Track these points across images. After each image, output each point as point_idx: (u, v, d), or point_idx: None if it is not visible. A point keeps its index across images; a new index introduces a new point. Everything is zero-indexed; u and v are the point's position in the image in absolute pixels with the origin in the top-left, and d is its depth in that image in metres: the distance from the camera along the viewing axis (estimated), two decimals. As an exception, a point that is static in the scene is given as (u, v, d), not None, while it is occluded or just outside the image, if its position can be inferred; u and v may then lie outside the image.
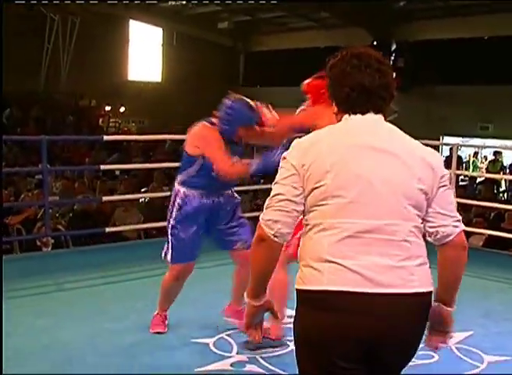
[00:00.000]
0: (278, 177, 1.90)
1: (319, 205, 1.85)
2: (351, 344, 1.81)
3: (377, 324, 1.80)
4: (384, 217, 1.82)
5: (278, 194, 1.88)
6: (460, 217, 1.96)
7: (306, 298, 1.86)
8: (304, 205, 1.88)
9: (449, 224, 1.92)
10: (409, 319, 1.84)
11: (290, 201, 1.86)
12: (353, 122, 1.92)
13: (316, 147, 1.87)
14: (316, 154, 1.85)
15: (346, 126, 1.92)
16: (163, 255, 3.82)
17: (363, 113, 1.92)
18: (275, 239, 1.87)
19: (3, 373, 2.78)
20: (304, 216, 1.91)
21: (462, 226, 1.95)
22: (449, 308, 1.97)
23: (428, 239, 1.93)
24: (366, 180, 1.83)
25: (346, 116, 1.93)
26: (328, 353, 1.82)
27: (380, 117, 1.94)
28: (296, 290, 1.90)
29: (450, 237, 1.91)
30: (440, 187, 1.90)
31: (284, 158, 1.92)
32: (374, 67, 1.91)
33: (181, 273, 3.79)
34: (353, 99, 1.91)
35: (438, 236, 1.91)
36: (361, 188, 1.82)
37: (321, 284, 1.82)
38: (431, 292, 1.89)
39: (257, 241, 1.92)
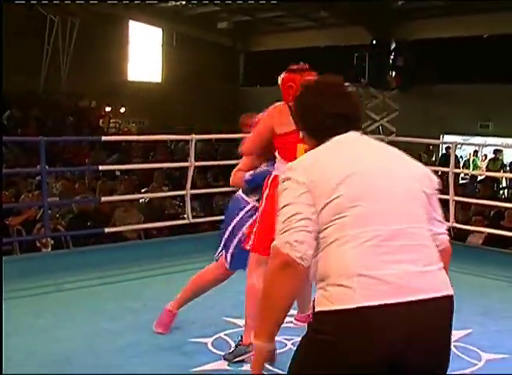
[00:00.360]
0: (288, 198, 1.80)
1: (336, 219, 1.77)
2: (385, 361, 1.72)
3: (415, 332, 1.73)
4: (403, 222, 1.80)
5: (296, 214, 1.77)
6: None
7: (337, 320, 1.72)
8: (315, 221, 1.78)
9: (445, 232, 1.96)
10: (443, 323, 1.81)
11: (310, 220, 1.76)
12: (339, 139, 1.92)
13: (318, 164, 1.84)
14: (321, 169, 1.82)
15: (334, 143, 1.91)
16: (224, 258, 3.71)
17: (344, 133, 1.94)
18: (303, 263, 1.74)
19: (3, 373, 2.79)
20: (315, 231, 1.79)
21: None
22: None
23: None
24: (379, 186, 1.82)
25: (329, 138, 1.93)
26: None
27: (360, 133, 1.97)
28: (321, 312, 1.75)
29: (444, 245, 1.95)
30: (435, 195, 1.93)
31: (288, 178, 1.83)
32: (341, 93, 1.98)
33: (226, 278, 3.79)
34: (328, 126, 1.93)
35: (436, 243, 1.91)
36: (376, 195, 1.80)
37: (354, 302, 1.70)
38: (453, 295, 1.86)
39: (280, 268, 1.74)
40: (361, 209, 1.77)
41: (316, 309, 1.78)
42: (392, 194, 1.82)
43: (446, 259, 1.94)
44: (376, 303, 1.70)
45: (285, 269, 1.74)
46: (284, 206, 1.80)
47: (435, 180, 1.95)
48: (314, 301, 1.81)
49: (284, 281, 1.74)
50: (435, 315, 1.78)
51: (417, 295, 1.74)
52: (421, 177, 1.91)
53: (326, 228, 1.78)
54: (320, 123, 1.95)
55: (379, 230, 1.76)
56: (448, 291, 1.82)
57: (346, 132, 1.93)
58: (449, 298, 1.82)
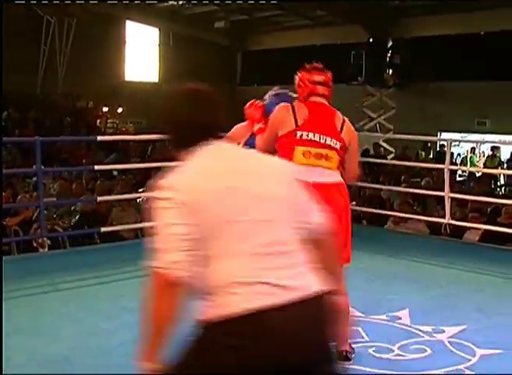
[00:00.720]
0: (166, 218, 1.81)
1: (214, 235, 1.81)
2: (273, 361, 1.76)
3: (299, 331, 1.78)
4: (277, 230, 1.87)
5: (175, 234, 1.78)
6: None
7: (227, 326, 1.75)
8: (196, 239, 1.81)
9: (319, 220, 2.02)
10: (322, 320, 1.87)
11: (190, 239, 1.79)
12: (208, 150, 1.93)
13: (192, 179, 1.86)
14: (195, 186, 1.83)
15: (205, 155, 1.92)
16: None
17: (207, 143, 1.95)
18: (185, 281, 1.78)
19: (3, 373, 2.81)
20: (197, 249, 1.81)
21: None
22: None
23: (307, 237, 1.97)
24: (250, 198, 1.86)
25: (192, 148, 1.94)
26: None
27: (222, 141, 1.99)
28: (209, 320, 1.78)
29: (320, 233, 2.01)
30: (300, 188, 2.01)
31: (164, 198, 1.83)
32: (205, 101, 2.00)
33: None
34: (193, 135, 1.94)
35: (316, 232, 1.99)
36: (249, 207, 1.85)
37: (242, 307, 1.75)
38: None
39: (163, 290, 1.77)
40: (238, 223, 1.82)
41: (202, 318, 1.80)
42: (264, 204, 1.87)
43: (327, 244, 2.03)
44: (263, 306, 1.75)
45: (169, 290, 1.77)
46: (162, 227, 1.81)
47: (295, 174, 2.02)
48: (196, 311, 1.83)
49: (169, 303, 1.78)
50: (315, 312, 1.83)
51: (297, 294, 1.80)
52: (286, 175, 1.98)
53: (208, 243, 1.81)
54: (184, 132, 1.96)
55: (257, 240, 1.82)
56: (322, 287, 1.88)
57: (208, 141, 1.95)
58: (324, 295, 1.88)
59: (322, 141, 3.34)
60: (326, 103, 3.47)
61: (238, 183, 1.87)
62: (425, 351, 3.66)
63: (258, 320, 1.74)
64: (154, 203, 1.84)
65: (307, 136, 3.32)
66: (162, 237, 1.80)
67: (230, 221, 1.82)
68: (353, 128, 3.51)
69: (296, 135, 3.33)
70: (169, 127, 2.01)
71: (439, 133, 16.37)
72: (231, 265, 1.80)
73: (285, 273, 1.82)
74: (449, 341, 3.83)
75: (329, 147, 3.35)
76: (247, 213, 1.84)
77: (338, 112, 3.49)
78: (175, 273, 1.76)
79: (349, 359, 3.44)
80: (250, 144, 3.75)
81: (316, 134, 3.33)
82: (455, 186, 8.78)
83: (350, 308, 3.67)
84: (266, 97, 3.91)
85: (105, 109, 18.81)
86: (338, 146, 3.38)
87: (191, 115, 1.96)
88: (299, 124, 3.33)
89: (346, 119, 3.49)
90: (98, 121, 18.39)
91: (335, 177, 3.37)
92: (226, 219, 1.82)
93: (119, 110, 19.22)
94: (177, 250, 1.78)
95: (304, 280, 1.84)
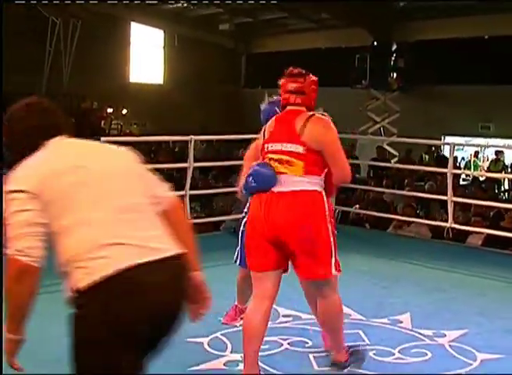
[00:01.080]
0: (16, 207, 1.95)
1: (67, 208, 1.95)
2: (152, 319, 1.93)
3: (170, 289, 1.96)
4: (128, 198, 2.04)
5: (24, 221, 1.93)
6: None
7: (103, 288, 1.88)
8: (48, 222, 1.95)
9: (166, 192, 2.21)
10: (185, 277, 2.05)
11: (38, 224, 1.94)
12: (48, 145, 2.11)
13: (36, 168, 2.02)
14: (42, 171, 2.00)
15: (46, 149, 2.10)
16: (234, 258, 4.02)
17: (49, 142, 2.13)
18: (37, 265, 1.92)
19: (3, 373, 2.81)
20: (50, 228, 1.96)
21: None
22: (199, 273, 2.16)
23: (156, 208, 2.12)
24: (100, 174, 2.04)
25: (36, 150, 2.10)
26: (132, 337, 1.92)
27: (67, 137, 2.20)
28: (85, 287, 1.89)
29: (169, 203, 2.18)
30: (143, 166, 2.20)
31: (13, 190, 1.97)
32: (37, 110, 2.26)
33: (246, 275, 3.69)
34: (33, 139, 2.13)
35: (165, 203, 2.16)
36: (99, 181, 2.02)
37: (113, 267, 1.88)
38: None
39: (18, 275, 1.91)
40: (91, 194, 1.99)
41: (78, 286, 1.91)
42: (114, 178, 2.06)
43: (176, 214, 2.20)
44: (131, 264, 1.90)
45: (23, 276, 1.91)
46: (13, 215, 1.95)
47: (136, 155, 2.21)
48: (71, 281, 1.94)
49: (25, 286, 1.93)
50: (176, 270, 2.01)
51: (159, 254, 1.96)
52: (128, 156, 2.18)
53: (63, 219, 1.95)
54: (25, 139, 2.15)
55: (111, 208, 1.99)
56: (179, 249, 2.04)
57: (50, 140, 2.13)
58: (181, 255, 2.04)
59: (283, 149, 3.19)
60: (299, 108, 3.27)
61: (84, 162, 2.05)
62: (426, 355, 3.66)
63: (126, 279, 1.88)
64: (6, 196, 1.99)
65: (272, 147, 3.24)
66: (13, 225, 1.95)
67: (82, 194, 1.97)
68: (324, 127, 3.20)
69: (264, 148, 3.30)
70: (10, 139, 2.20)
71: (442, 137, 16.34)
72: (91, 231, 1.94)
73: (145, 235, 1.99)
74: (450, 345, 3.82)
75: (290, 153, 3.17)
76: (99, 186, 2.01)
77: (304, 113, 3.23)
78: (24, 259, 1.90)
79: (345, 367, 3.42)
80: None
81: (277, 144, 3.22)
82: (458, 190, 8.78)
83: (347, 311, 3.67)
84: (262, 106, 3.91)
85: (110, 110, 18.84)
86: (300, 150, 3.15)
87: (26, 124, 2.18)
88: (266, 137, 3.30)
89: (318, 116, 3.23)
90: (103, 122, 18.41)
91: (295, 186, 3.14)
92: (78, 193, 1.97)
93: (124, 111, 19.26)
94: (28, 235, 1.93)
95: (163, 242, 2.02)
